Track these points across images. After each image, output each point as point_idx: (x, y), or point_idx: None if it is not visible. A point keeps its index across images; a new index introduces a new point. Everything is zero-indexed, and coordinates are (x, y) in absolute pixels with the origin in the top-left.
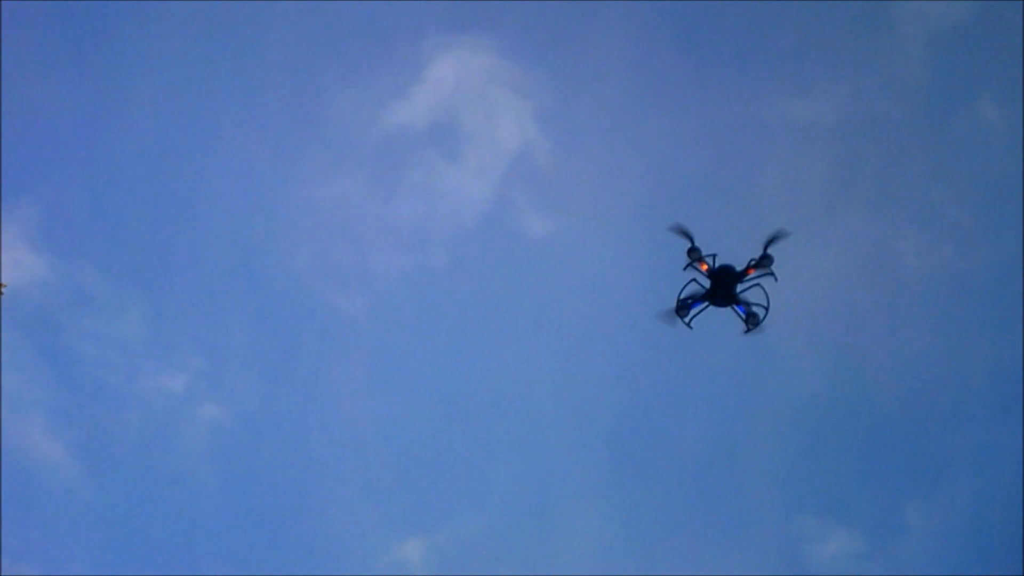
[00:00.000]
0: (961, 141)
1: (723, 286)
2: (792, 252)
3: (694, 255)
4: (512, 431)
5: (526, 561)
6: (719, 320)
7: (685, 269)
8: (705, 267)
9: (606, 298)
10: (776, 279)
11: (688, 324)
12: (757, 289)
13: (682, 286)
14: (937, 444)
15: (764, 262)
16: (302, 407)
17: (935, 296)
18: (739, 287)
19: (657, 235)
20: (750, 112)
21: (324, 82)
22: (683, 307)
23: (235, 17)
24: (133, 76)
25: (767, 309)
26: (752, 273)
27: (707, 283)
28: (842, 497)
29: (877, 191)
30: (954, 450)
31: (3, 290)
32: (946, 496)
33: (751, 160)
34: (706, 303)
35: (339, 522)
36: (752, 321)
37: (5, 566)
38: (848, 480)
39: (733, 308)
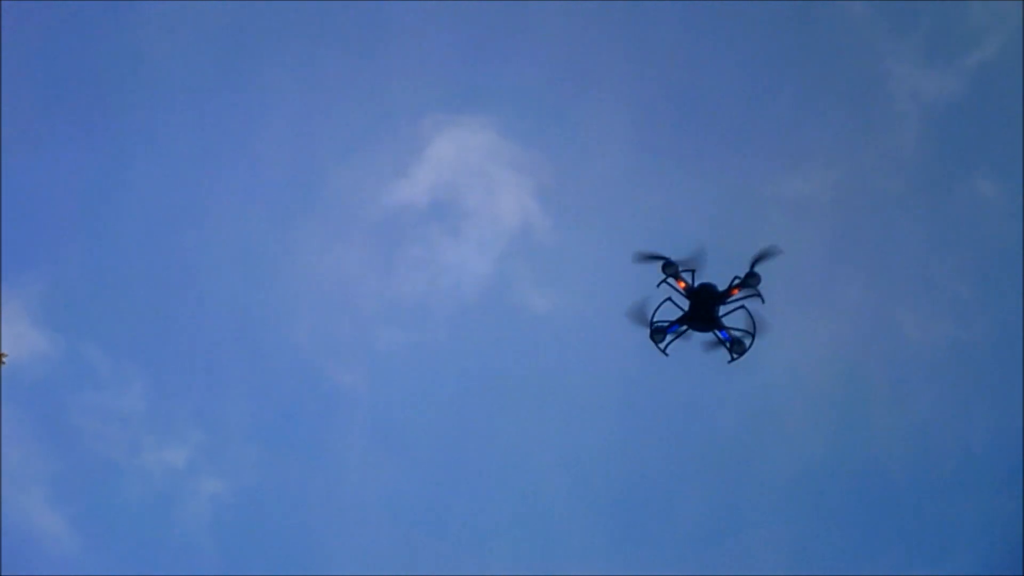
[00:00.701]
0: (959, 214)
1: (703, 307)
2: (792, 321)
3: (670, 270)
4: (514, 503)
5: None
6: (721, 382)
7: (659, 286)
8: (683, 285)
9: (606, 372)
10: (763, 301)
11: (663, 351)
12: (742, 312)
13: (655, 306)
14: (939, 513)
15: (750, 281)
16: (303, 480)
17: (935, 366)
18: (721, 309)
19: (657, 310)
20: (748, 187)
21: (325, 160)
22: (658, 331)
23: (237, 93)
24: (133, 151)
25: (753, 335)
26: (736, 294)
27: (685, 303)
28: (844, 566)
29: (876, 263)
30: (955, 519)
31: (4, 360)
32: (949, 564)
33: (750, 234)
34: (684, 327)
35: None
36: (737, 348)
37: None
38: (850, 549)
39: (715, 333)
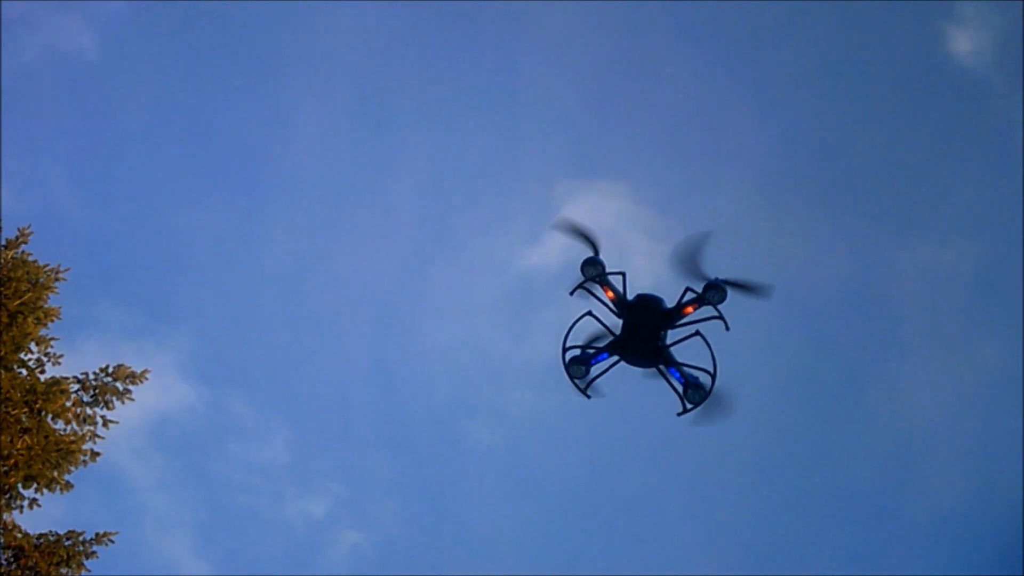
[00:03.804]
0: None
1: (641, 331)
2: (931, 379)
3: (592, 271)
4: (646, 552)
5: None
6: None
7: (572, 293)
8: (612, 296)
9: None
10: (728, 327)
11: (584, 391)
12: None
13: (571, 322)
14: None
15: (709, 295)
16: (438, 534)
17: None
18: (668, 336)
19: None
20: (883, 254)
21: (460, 223)
22: (579, 361)
23: (368, 156)
24: (275, 210)
25: (714, 376)
26: (690, 312)
27: (616, 323)
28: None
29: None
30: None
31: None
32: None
33: (882, 298)
34: (615, 356)
35: None
36: (692, 395)
37: None
38: None
39: (660, 370)
